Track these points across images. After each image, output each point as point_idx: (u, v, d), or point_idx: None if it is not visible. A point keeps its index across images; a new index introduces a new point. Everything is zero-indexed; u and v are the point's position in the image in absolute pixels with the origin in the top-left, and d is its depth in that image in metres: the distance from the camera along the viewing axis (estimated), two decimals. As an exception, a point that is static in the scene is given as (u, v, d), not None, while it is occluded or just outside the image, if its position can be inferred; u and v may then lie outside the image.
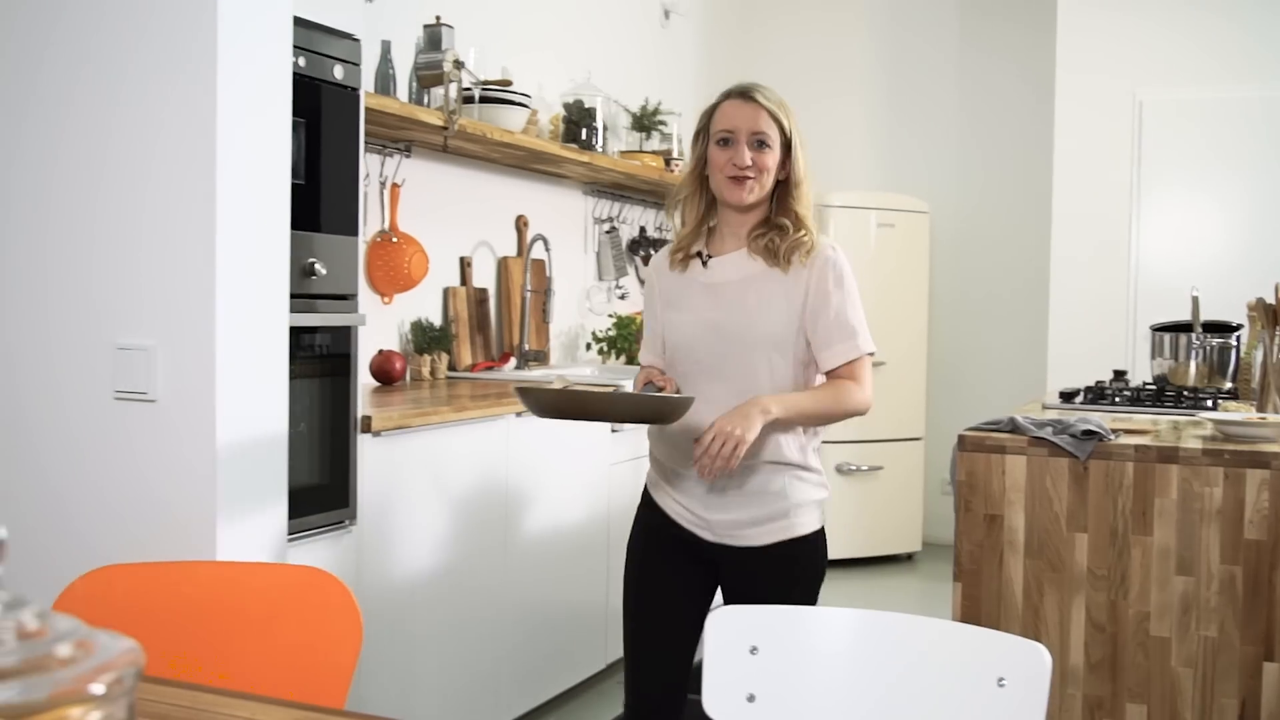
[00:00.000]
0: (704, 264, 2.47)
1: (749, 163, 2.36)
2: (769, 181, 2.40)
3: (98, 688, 0.78)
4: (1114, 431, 2.77)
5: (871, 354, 2.43)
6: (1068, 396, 3.73)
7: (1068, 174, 5.63)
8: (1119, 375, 4.06)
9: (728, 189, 2.39)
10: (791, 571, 2.42)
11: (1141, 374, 4.64)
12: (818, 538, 2.45)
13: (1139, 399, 3.65)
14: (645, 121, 5.36)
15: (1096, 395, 3.75)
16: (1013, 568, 2.76)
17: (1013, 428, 2.82)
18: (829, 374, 2.41)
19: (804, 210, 2.43)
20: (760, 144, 2.37)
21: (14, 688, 0.76)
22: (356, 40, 2.84)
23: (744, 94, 2.39)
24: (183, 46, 2.15)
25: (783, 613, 1.67)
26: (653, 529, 2.51)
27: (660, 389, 2.38)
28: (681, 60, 6.17)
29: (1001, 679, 1.53)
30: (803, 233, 2.41)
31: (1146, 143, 5.50)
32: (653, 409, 2.28)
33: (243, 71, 2.18)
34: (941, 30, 6.57)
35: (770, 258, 2.40)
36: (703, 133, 2.45)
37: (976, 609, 2.77)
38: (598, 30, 5.40)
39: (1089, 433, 2.70)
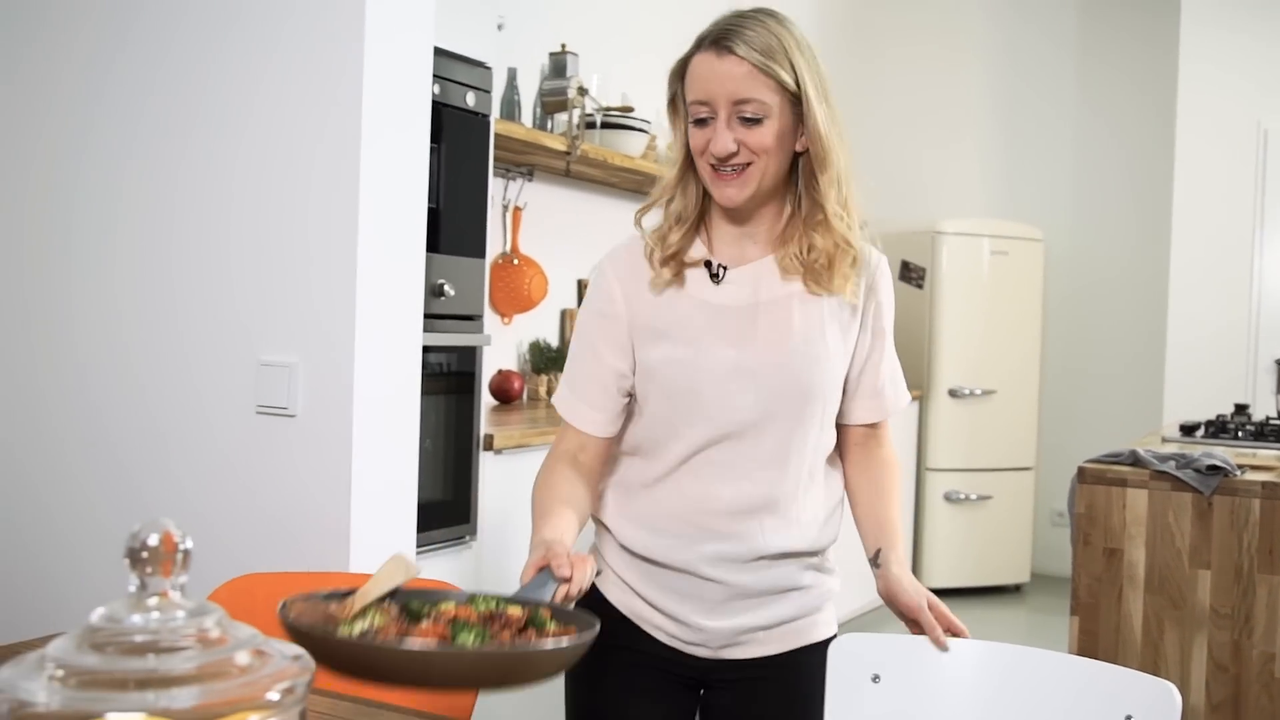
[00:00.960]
0: (715, 278, 1.74)
1: (731, 148, 1.64)
2: (773, 164, 1.67)
3: (273, 695, 0.84)
4: (1240, 467, 2.74)
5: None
6: (1188, 430, 3.67)
7: (1188, 202, 5.54)
8: (1240, 409, 3.99)
9: (713, 186, 1.70)
10: (799, 684, 1.79)
11: (1263, 408, 4.54)
12: (829, 642, 1.71)
13: (1263, 434, 3.59)
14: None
15: (1218, 429, 3.69)
16: (1132, 603, 2.73)
17: (1134, 460, 2.80)
18: (848, 427, 1.84)
19: (835, 199, 1.70)
20: (748, 119, 1.64)
21: (195, 692, 0.82)
22: (488, 68, 2.92)
23: (716, 43, 1.65)
24: (331, 72, 2.24)
25: (906, 641, 1.68)
26: (613, 645, 1.59)
27: (565, 579, 1.43)
28: (796, 85, 6.19)
29: (1129, 716, 1.53)
30: (839, 234, 1.70)
31: (1271, 171, 5.40)
32: (512, 667, 1.20)
33: (386, 97, 2.26)
34: (1060, 52, 6.51)
35: (810, 276, 1.72)
36: (677, 102, 1.74)
37: (1094, 644, 2.74)
38: (714, 56, 5.44)
39: (1214, 468, 2.67)
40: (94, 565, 2.49)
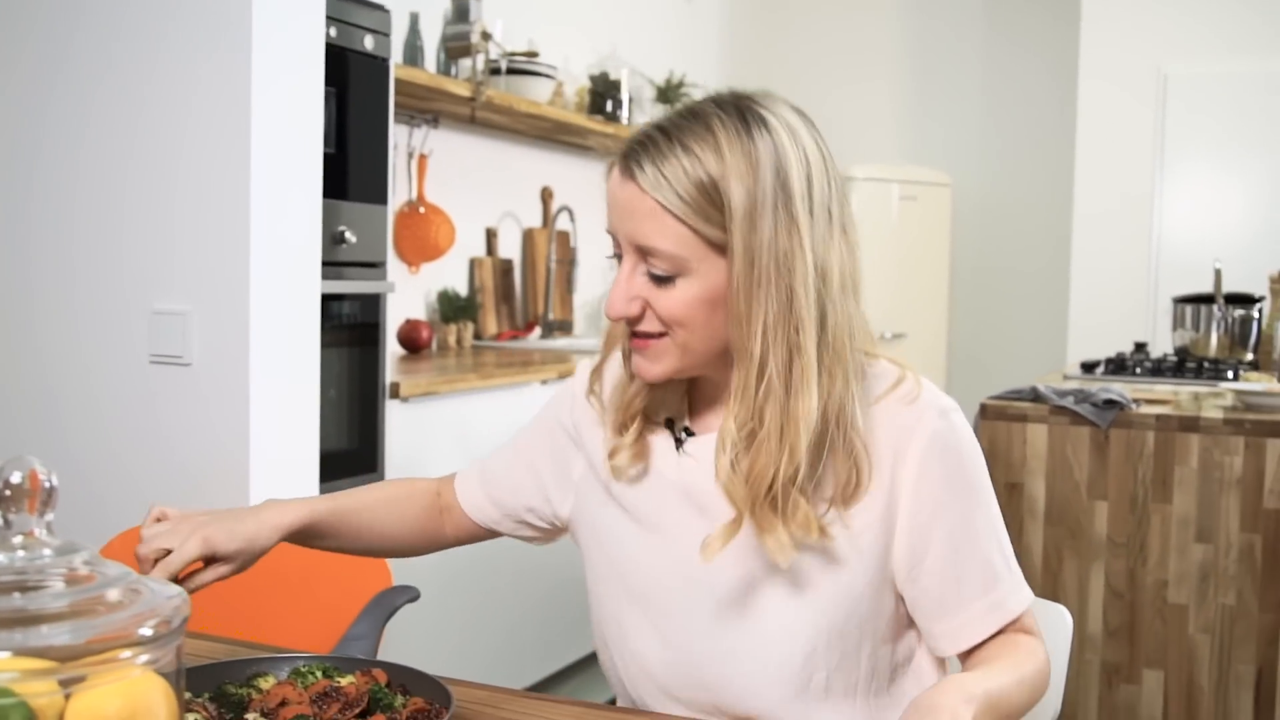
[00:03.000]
0: (677, 444, 1.32)
1: (623, 310, 1.21)
2: (698, 338, 1.21)
3: (146, 631, 0.82)
4: (1135, 401, 2.80)
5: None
6: (1089, 367, 3.75)
7: (1091, 147, 5.61)
8: (1139, 347, 4.07)
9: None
10: None
11: (1162, 346, 4.65)
12: None
13: (1160, 370, 3.67)
14: (670, 94, 5.37)
15: (1118, 366, 3.77)
16: (1033, 535, 2.79)
17: (1034, 397, 2.85)
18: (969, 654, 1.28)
19: (748, 410, 1.19)
20: (656, 275, 1.20)
21: (65, 630, 0.80)
22: (386, 11, 2.87)
23: (623, 158, 1.21)
24: (217, 15, 2.19)
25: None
26: None
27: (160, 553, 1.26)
28: (706, 33, 6.17)
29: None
30: (766, 467, 1.18)
31: (1171, 116, 5.48)
32: None
33: (276, 40, 2.22)
34: (966, 2, 6.55)
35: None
36: None
37: (996, 576, 2.80)
38: (623, 3, 5.41)
39: (1110, 402, 2.73)
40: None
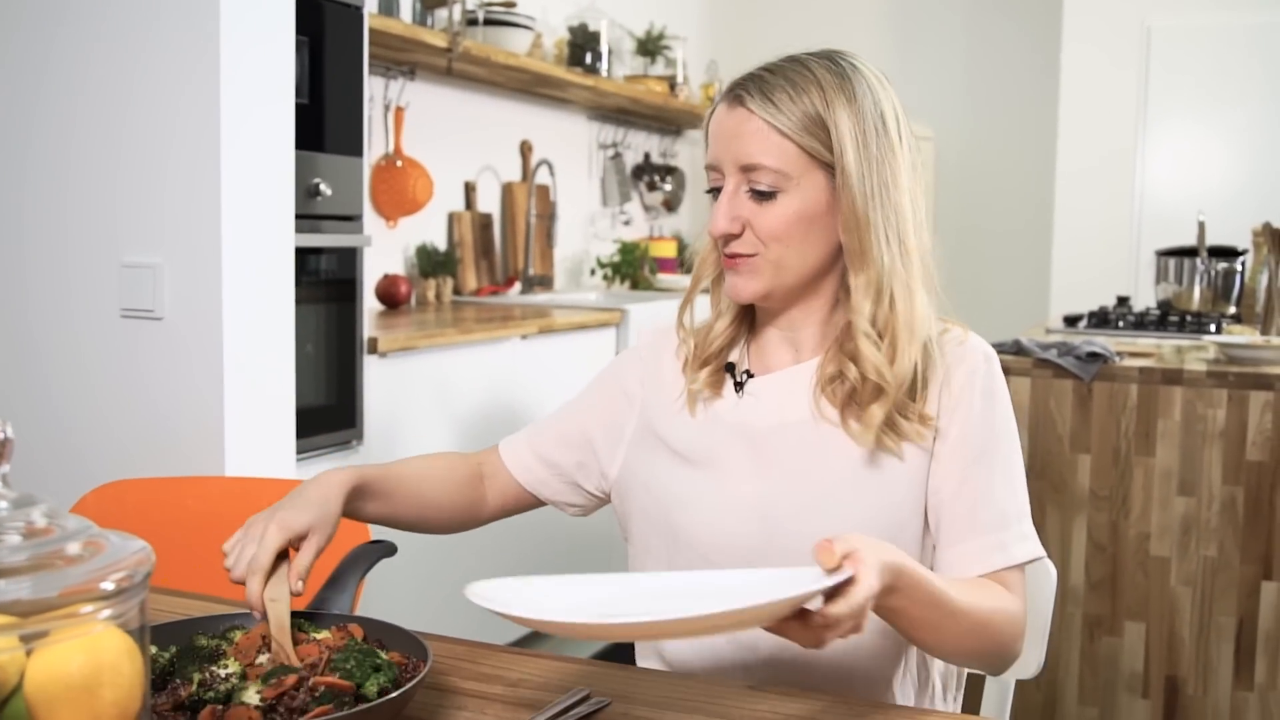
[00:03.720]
0: (737, 388, 1.39)
1: (725, 227, 1.29)
2: (794, 255, 1.30)
3: (108, 585, 0.79)
4: (1119, 354, 2.78)
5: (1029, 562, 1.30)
6: (1072, 321, 3.73)
7: (1074, 100, 5.58)
8: (1122, 301, 4.06)
9: (726, 273, 1.36)
10: None
11: (1145, 301, 4.64)
12: None
13: (1143, 323, 3.65)
14: (650, 46, 5.32)
15: (1100, 320, 3.75)
16: (1015, 489, 2.78)
17: (1017, 349, 2.83)
18: None
19: (869, 313, 1.29)
20: (759, 191, 1.28)
21: (24, 584, 0.77)
22: (359, -42, 2.82)
23: (729, 92, 1.32)
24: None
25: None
26: None
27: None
28: (686, -16, 6.11)
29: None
30: (870, 362, 1.28)
31: (1154, 69, 5.45)
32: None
33: (246, -13, 2.17)
34: (949, -46, 6.49)
35: (845, 407, 1.32)
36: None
37: (978, 529, 2.79)
38: (601, -48, 5.34)
39: (1094, 355, 2.71)
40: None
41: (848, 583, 0.99)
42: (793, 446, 1.32)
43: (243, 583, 1.18)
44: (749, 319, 1.41)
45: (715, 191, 1.32)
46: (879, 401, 1.27)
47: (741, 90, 1.29)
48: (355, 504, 1.36)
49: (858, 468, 1.30)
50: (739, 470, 1.34)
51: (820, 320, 1.36)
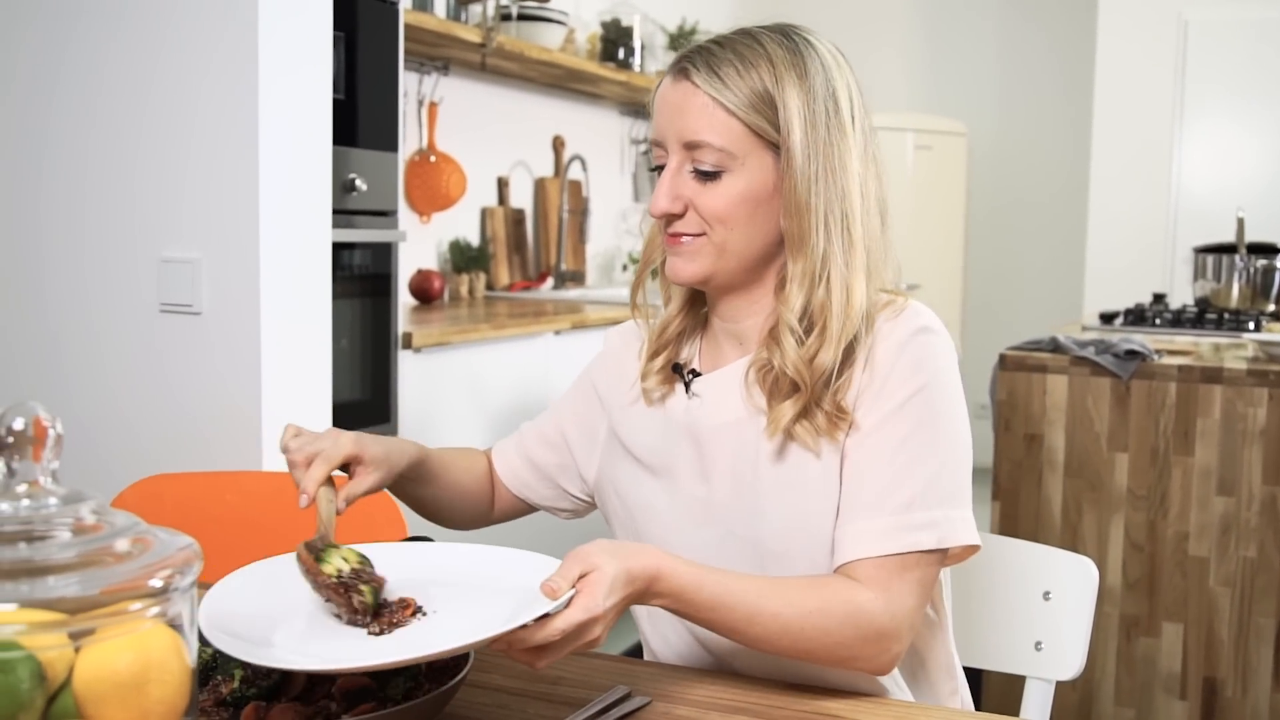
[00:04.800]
0: (686, 388, 1.34)
1: (666, 206, 1.25)
2: (738, 237, 1.24)
3: (156, 582, 0.79)
4: (1157, 352, 2.76)
5: (938, 551, 1.21)
6: (1108, 318, 3.70)
7: (1109, 95, 5.54)
8: (1158, 298, 4.02)
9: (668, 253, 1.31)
10: None
11: (1181, 297, 4.60)
12: None
13: (1180, 321, 3.62)
14: (682, 41, 5.30)
15: (1137, 317, 3.72)
16: (1052, 487, 2.76)
17: (1054, 347, 2.81)
18: (839, 570, 1.21)
19: (801, 303, 1.23)
20: (703, 171, 1.23)
21: (73, 581, 0.77)
22: (395, -47, 2.82)
23: (675, 65, 1.25)
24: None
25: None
26: None
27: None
28: (718, -22, 6.09)
29: (1047, 592, 1.54)
30: (790, 357, 1.22)
31: (1191, 63, 5.40)
32: None
33: (284, -17, 2.17)
34: (983, -52, 6.45)
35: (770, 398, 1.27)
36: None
37: (1014, 528, 2.77)
38: (634, -53, 5.33)
39: (1132, 353, 2.69)
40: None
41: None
42: (732, 448, 1.27)
43: (294, 462, 1.18)
44: (700, 309, 1.37)
45: (659, 170, 1.26)
46: (793, 398, 1.21)
47: (688, 63, 1.22)
48: (413, 473, 1.34)
49: (780, 469, 1.24)
50: (689, 475, 1.30)
51: (764, 310, 1.29)
